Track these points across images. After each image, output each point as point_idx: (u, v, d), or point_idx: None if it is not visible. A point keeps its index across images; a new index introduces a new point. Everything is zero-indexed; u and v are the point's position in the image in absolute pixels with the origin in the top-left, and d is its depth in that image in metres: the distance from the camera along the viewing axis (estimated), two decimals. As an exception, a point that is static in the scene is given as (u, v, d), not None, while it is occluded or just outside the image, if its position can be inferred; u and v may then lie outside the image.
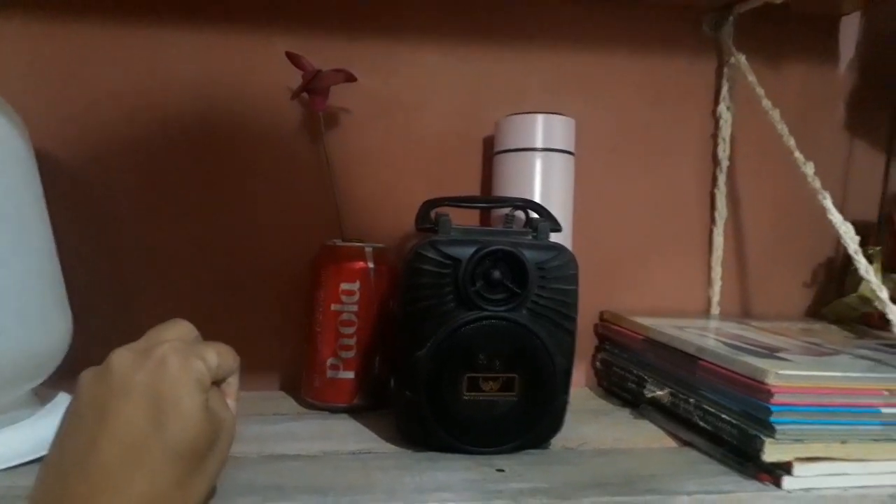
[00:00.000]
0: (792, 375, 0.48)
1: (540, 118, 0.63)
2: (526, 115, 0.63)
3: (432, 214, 0.55)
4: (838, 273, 0.78)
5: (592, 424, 0.60)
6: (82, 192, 0.63)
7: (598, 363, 0.73)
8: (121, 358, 0.36)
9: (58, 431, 0.36)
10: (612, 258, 0.74)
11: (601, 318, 0.74)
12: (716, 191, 0.75)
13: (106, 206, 0.64)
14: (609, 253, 0.73)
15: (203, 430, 0.36)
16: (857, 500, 0.47)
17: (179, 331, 0.40)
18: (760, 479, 0.47)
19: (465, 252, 0.49)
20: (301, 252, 0.64)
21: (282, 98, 0.65)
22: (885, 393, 0.49)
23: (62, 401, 0.53)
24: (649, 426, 0.60)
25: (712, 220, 0.76)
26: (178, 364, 0.36)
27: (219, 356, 0.39)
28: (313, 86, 0.61)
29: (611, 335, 0.71)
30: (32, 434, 0.47)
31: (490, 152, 0.68)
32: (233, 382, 0.42)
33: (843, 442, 0.47)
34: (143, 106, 0.64)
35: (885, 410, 0.49)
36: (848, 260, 0.77)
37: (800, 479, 0.46)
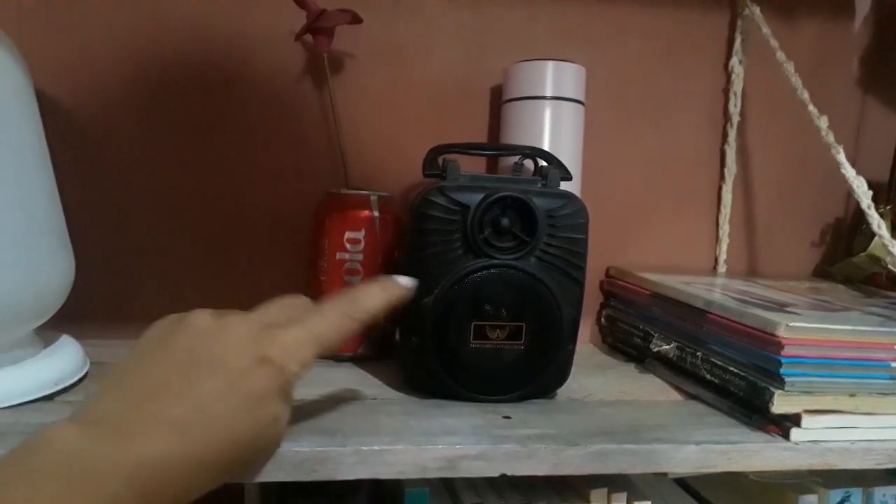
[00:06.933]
0: (802, 328, 0.47)
1: (550, 65, 0.61)
2: (535, 61, 0.62)
3: (440, 160, 0.53)
4: (847, 233, 0.78)
5: (598, 377, 0.59)
6: (81, 135, 0.62)
7: (602, 319, 0.72)
8: (202, 317, 0.37)
9: (116, 367, 0.37)
10: (619, 213, 0.73)
11: (607, 274, 0.73)
12: (726, 146, 0.74)
13: (105, 150, 0.62)
14: (616, 208, 0.72)
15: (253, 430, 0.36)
16: (863, 453, 0.47)
17: (291, 310, 0.42)
18: (768, 431, 0.47)
19: (474, 198, 0.48)
20: (305, 199, 0.63)
21: (285, 39, 0.63)
22: (895, 348, 0.49)
23: (65, 343, 0.52)
24: (655, 380, 0.60)
25: (721, 177, 0.74)
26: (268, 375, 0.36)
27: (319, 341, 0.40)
28: (318, 25, 0.59)
29: (616, 291, 0.71)
30: (36, 373, 0.46)
31: (496, 101, 0.66)
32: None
33: (852, 395, 0.47)
34: (143, 48, 0.62)
35: (894, 365, 0.48)
36: (857, 220, 0.77)
37: (808, 430, 0.46)
